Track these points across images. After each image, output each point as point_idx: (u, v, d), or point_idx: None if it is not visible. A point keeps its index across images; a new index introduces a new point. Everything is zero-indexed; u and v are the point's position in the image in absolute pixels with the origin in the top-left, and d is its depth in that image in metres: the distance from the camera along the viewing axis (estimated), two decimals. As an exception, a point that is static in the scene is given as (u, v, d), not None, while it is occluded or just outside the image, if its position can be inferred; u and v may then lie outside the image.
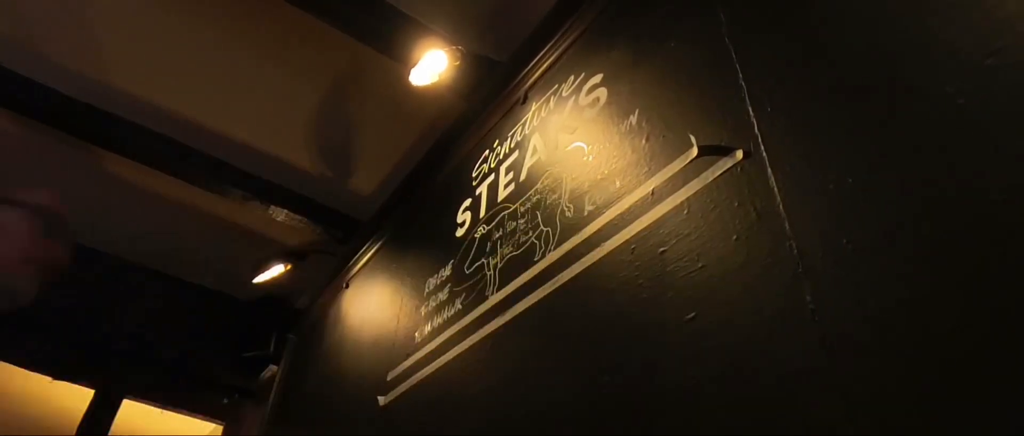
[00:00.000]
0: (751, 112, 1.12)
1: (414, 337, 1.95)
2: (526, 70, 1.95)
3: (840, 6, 1.04)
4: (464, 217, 1.99)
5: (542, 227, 1.56)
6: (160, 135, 2.62)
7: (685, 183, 1.20)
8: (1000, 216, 0.74)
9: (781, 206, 1.00)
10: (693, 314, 1.08)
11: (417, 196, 2.48)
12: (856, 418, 0.80)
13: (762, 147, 1.07)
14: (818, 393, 0.85)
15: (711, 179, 1.14)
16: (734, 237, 1.06)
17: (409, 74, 2.14)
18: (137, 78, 2.44)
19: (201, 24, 2.27)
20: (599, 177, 1.44)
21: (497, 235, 1.75)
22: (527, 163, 1.76)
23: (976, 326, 0.72)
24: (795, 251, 0.95)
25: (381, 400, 1.92)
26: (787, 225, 0.98)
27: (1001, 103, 0.79)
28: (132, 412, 3.54)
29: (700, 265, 1.10)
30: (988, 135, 0.79)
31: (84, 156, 2.73)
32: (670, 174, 1.24)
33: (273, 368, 3.46)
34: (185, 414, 3.75)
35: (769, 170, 1.04)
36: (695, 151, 1.19)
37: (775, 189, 1.02)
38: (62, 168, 2.82)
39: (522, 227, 1.64)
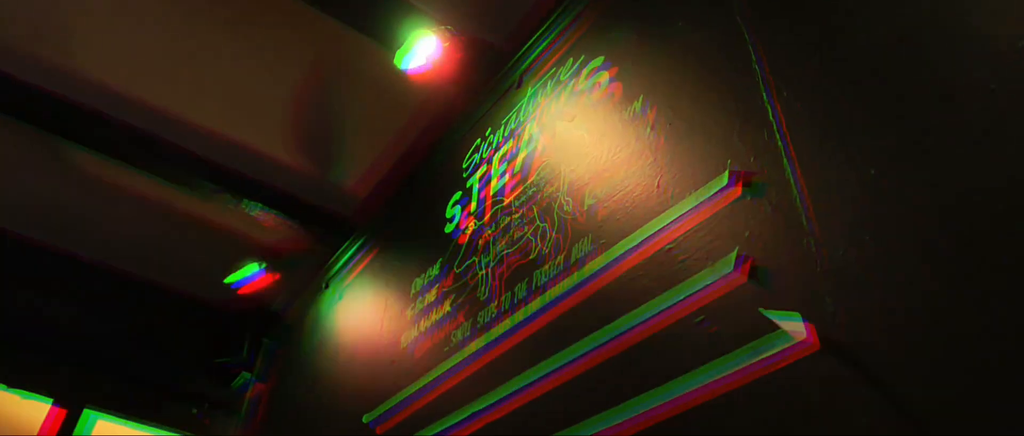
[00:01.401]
0: (766, 97, 1.11)
1: (399, 342, 1.95)
2: (521, 52, 1.94)
3: (863, -18, 1.04)
4: (454, 212, 1.99)
5: (539, 223, 1.55)
6: (124, 124, 2.60)
7: (694, 175, 1.19)
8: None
9: (799, 200, 1.00)
10: (702, 317, 1.08)
11: (403, 189, 2.47)
12: (881, 431, 0.80)
13: (777, 136, 1.07)
14: (841, 403, 0.85)
15: (723, 171, 1.14)
16: (746, 234, 1.06)
17: (395, 57, 2.13)
18: (98, 61, 2.42)
19: (168, 2, 2.25)
20: (601, 168, 1.43)
21: (490, 231, 1.74)
22: (522, 153, 1.75)
23: (1013, 331, 0.72)
24: (814, 248, 0.95)
25: (366, 417, 1.91)
26: (805, 220, 0.98)
27: (1038, 88, 0.79)
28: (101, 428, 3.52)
29: (710, 263, 1.10)
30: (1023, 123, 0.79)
31: (44, 149, 2.70)
32: (679, 165, 1.24)
33: (246, 375, 3.45)
34: (151, 426, 3.73)
35: (785, 161, 1.04)
36: (707, 144, 1.19)
37: (792, 181, 1.02)
38: (20, 162, 2.79)
39: (517, 223, 1.64)
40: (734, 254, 1.06)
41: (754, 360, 0.96)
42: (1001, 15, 0.85)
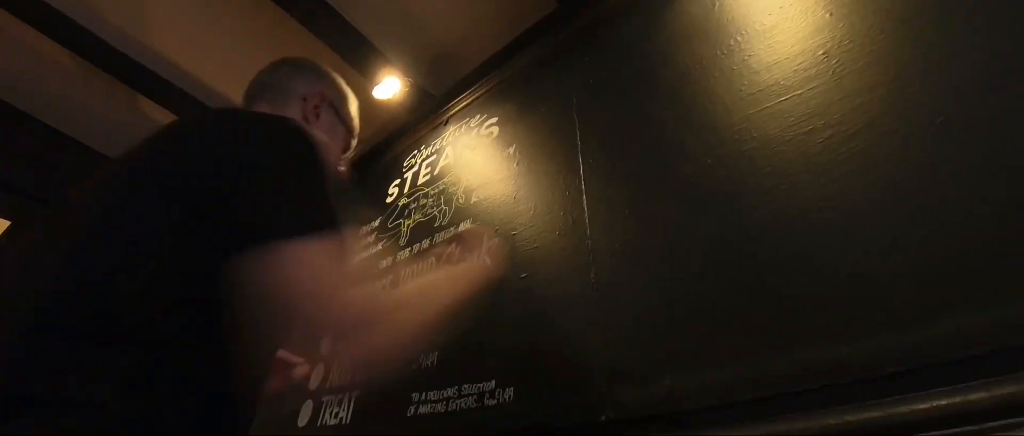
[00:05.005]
0: (580, 158, 1.16)
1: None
2: (450, 104, 1.89)
3: (637, 102, 1.10)
4: (394, 190, 1.91)
5: (443, 206, 1.53)
6: (182, 90, 2.28)
7: (536, 193, 1.21)
8: (712, 236, 0.80)
9: (586, 217, 1.04)
10: (526, 274, 1.10)
11: (367, 174, 2.34)
12: (609, 321, 0.84)
13: (582, 181, 1.10)
14: (592, 310, 0.91)
15: (550, 195, 1.16)
16: (557, 232, 1.09)
17: (372, 89, 2.01)
18: (171, 45, 2.11)
19: (224, 16, 1.99)
20: (484, 181, 1.43)
21: (413, 206, 1.69)
22: (440, 163, 1.71)
23: (681, 291, 0.79)
24: (590, 245, 1.00)
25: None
26: (588, 230, 1.02)
27: (738, 166, 0.85)
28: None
29: (535, 246, 1.13)
30: (725, 189, 0.86)
31: (125, 97, 2.32)
32: (527, 188, 1.26)
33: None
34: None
35: (584, 196, 1.08)
36: (544, 180, 1.19)
37: (585, 206, 1.06)
38: (106, 102, 2.38)
39: (430, 204, 1.60)
40: (546, 244, 1.08)
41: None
42: (723, 118, 0.91)
